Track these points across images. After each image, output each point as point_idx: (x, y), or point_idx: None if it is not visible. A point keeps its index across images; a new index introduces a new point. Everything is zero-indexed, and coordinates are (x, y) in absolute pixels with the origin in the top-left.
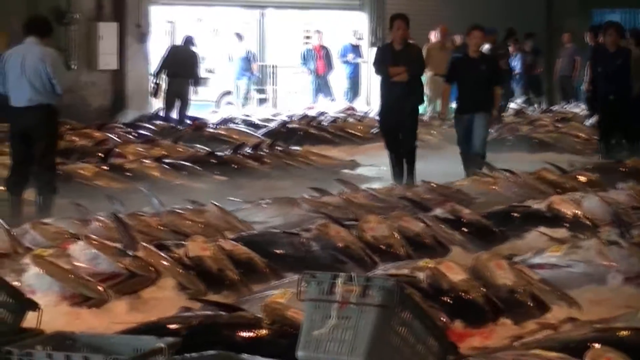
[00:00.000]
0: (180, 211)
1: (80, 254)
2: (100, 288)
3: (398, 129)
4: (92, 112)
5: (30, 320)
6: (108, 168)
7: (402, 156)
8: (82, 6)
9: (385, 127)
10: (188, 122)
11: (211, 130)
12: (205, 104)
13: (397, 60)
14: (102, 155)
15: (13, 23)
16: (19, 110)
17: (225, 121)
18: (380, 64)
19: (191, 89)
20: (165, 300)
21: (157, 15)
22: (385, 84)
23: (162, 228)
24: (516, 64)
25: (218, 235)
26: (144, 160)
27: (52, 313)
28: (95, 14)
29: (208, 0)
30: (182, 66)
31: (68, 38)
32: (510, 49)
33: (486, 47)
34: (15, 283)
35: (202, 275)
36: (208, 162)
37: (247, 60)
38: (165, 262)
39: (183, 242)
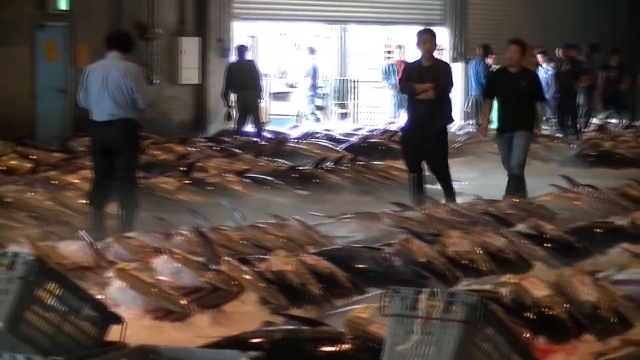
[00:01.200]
0: (262, 225)
1: (163, 268)
2: (183, 302)
3: (421, 149)
4: (173, 126)
5: (114, 333)
6: (190, 182)
7: (422, 178)
8: (165, 21)
9: (407, 145)
10: (266, 134)
11: (293, 144)
12: (286, 119)
13: (424, 76)
14: (184, 169)
15: (95, 37)
16: (101, 125)
17: (306, 135)
18: (406, 81)
19: (258, 99)
20: (248, 314)
21: (239, 30)
22: (411, 101)
23: (244, 242)
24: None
25: (300, 250)
26: (226, 175)
27: (135, 326)
28: (178, 29)
29: (290, 16)
30: (244, 79)
31: (150, 52)
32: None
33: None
34: (99, 296)
35: (285, 289)
36: (290, 177)
37: (313, 75)
38: (247, 276)
39: (265, 257)
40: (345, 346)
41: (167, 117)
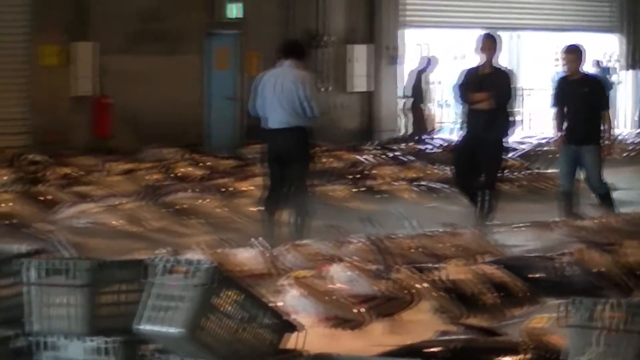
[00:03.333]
0: (435, 234)
1: (338, 276)
2: (358, 310)
3: (474, 163)
4: (343, 134)
5: (290, 341)
6: (361, 190)
7: (474, 193)
8: (335, 28)
9: (459, 158)
10: (438, 141)
11: None
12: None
13: (482, 85)
14: (356, 177)
15: (266, 45)
16: (274, 133)
17: None
18: (462, 89)
19: (419, 107)
20: (423, 323)
21: (410, 38)
22: (467, 111)
23: (417, 250)
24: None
25: (474, 259)
26: (397, 182)
27: (311, 334)
28: (348, 37)
29: (460, 23)
30: (415, 88)
31: (321, 60)
32: None
33: None
34: (275, 304)
35: (460, 298)
36: None
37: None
38: (422, 285)
39: (439, 265)
40: (523, 356)
41: (337, 125)
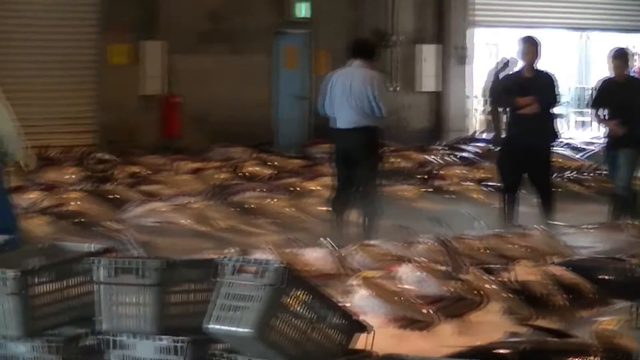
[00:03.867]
0: (504, 234)
1: (407, 276)
2: (427, 311)
3: (521, 169)
4: (411, 133)
5: (359, 341)
6: (430, 190)
7: (516, 198)
8: (404, 28)
9: (506, 163)
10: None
11: None
12: None
13: (526, 89)
14: (424, 177)
15: (335, 44)
16: (343, 132)
17: None
18: (506, 94)
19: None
20: (492, 324)
21: (480, 38)
22: (512, 116)
23: (486, 251)
24: None
25: (543, 260)
26: (466, 183)
27: (380, 335)
28: (417, 36)
29: (531, 23)
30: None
31: (389, 60)
32: None
33: None
34: (344, 304)
35: (529, 299)
36: (530, 186)
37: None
38: (492, 286)
39: (508, 266)
40: (593, 358)
41: (405, 125)
